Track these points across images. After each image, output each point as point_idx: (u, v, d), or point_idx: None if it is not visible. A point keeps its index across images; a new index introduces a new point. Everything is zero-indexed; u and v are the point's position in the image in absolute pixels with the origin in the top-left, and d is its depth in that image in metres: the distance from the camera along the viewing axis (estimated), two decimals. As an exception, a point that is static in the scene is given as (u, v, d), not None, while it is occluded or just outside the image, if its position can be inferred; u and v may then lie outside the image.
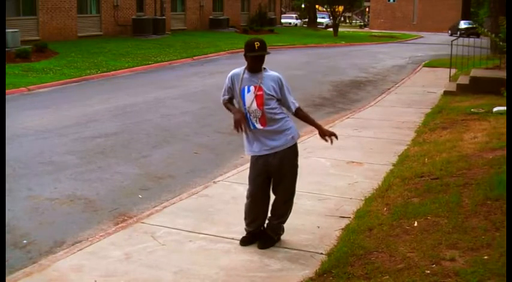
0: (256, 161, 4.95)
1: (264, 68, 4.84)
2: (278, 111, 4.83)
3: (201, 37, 29.74)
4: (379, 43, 36.86)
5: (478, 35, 33.82)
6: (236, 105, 4.95)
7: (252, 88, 4.78)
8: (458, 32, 44.52)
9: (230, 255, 4.90)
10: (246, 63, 4.87)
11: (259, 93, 4.76)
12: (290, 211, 5.13)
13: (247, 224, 5.12)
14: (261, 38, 4.95)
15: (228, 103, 5.01)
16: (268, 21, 42.54)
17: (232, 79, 4.89)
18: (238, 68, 4.94)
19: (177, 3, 33.94)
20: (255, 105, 4.77)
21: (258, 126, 4.81)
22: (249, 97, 4.78)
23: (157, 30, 28.63)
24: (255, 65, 4.80)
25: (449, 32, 49.54)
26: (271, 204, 5.08)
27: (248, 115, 4.82)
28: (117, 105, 12.20)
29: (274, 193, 5.02)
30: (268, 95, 4.76)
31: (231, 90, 4.93)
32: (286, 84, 4.88)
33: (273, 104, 4.80)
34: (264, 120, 4.79)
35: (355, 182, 6.97)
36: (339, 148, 8.63)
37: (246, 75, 4.83)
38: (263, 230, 5.16)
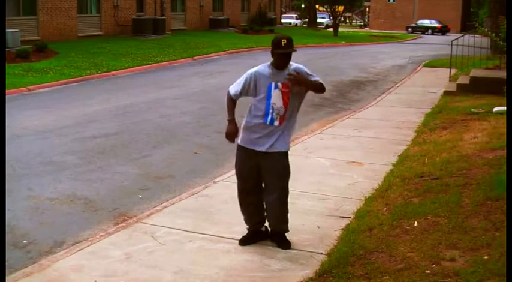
0: (244, 151, 4.95)
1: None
2: (296, 113, 4.92)
3: (201, 37, 29.73)
4: (379, 43, 36.86)
5: (443, 33, 37.31)
6: (255, 102, 4.90)
7: (279, 85, 4.80)
8: (430, 30, 47.99)
9: (230, 255, 4.90)
10: (256, 62, 4.90)
11: (285, 90, 4.79)
12: (285, 211, 5.08)
13: (244, 220, 5.14)
14: (289, 35, 4.96)
15: (234, 102, 4.98)
16: (268, 21, 42.53)
17: (255, 76, 4.84)
18: (260, 65, 4.91)
19: (177, 3, 33.93)
20: (281, 102, 4.80)
21: (276, 123, 4.84)
22: (276, 94, 4.79)
23: (157, 30, 28.62)
24: (282, 62, 4.81)
25: (410, 30, 51.45)
26: (266, 209, 5.06)
27: (271, 111, 4.82)
28: (117, 105, 12.20)
29: (266, 194, 5.00)
30: (294, 92, 4.80)
31: (249, 87, 4.85)
32: (308, 70, 4.91)
33: (296, 101, 4.88)
34: (284, 118, 4.84)
35: (355, 182, 6.96)
36: (339, 148, 8.64)
37: (274, 72, 4.83)
38: (265, 230, 5.16)
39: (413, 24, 53.16)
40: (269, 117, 4.84)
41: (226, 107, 5.03)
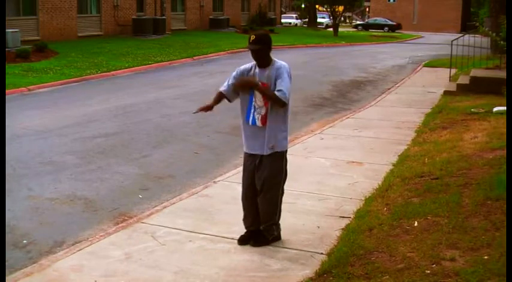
0: (245, 156, 5.03)
1: (274, 61, 4.79)
2: (282, 113, 4.81)
3: (201, 37, 29.74)
4: (379, 43, 36.87)
5: (392, 30, 48.96)
6: (240, 100, 4.91)
7: (259, 84, 4.76)
8: (386, 28, 52.31)
9: (230, 255, 4.90)
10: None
11: None
12: (276, 214, 5.03)
13: (242, 219, 5.14)
14: (265, 31, 4.89)
15: (220, 95, 4.95)
16: (268, 21, 42.53)
17: (242, 73, 4.86)
18: (247, 64, 4.91)
19: (177, 3, 33.93)
20: (262, 102, 4.77)
21: (258, 123, 4.82)
22: (257, 93, 4.75)
23: (158, 30, 28.62)
24: (254, 58, 4.79)
25: (360, 27, 54.46)
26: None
27: (252, 110, 4.82)
28: (117, 105, 12.20)
29: (258, 197, 4.99)
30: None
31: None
32: (286, 74, 4.71)
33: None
34: (265, 118, 4.79)
35: (355, 182, 6.96)
36: (339, 148, 8.64)
37: (256, 70, 4.81)
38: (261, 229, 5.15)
39: (361, 22, 56.43)
40: (250, 117, 4.84)
41: (214, 97, 5.00)
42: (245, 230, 5.14)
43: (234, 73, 4.95)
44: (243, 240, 5.08)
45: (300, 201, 6.15)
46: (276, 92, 4.64)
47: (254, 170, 4.95)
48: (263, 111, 4.78)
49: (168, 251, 4.98)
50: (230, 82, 4.93)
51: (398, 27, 52.80)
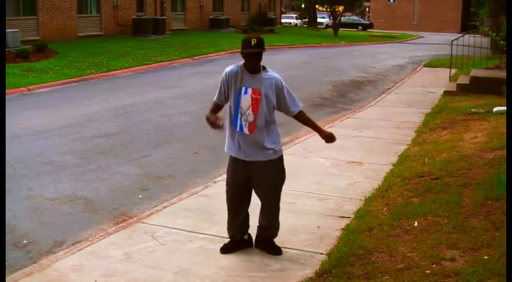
0: (235, 162, 4.77)
1: (264, 68, 4.62)
2: (270, 120, 4.66)
3: (201, 37, 29.72)
4: (379, 43, 36.86)
5: (365, 29, 52.76)
6: (229, 105, 4.71)
7: (249, 90, 4.57)
8: (360, 27, 55.34)
9: (230, 255, 4.90)
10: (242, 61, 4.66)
11: (255, 96, 4.56)
12: (278, 217, 4.94)
13: (227, 229, 4.99)
14: (260, 36, 4.81)
15: (217, 106, 4.73)
16: (268, 21, 42.52)
17: (228, 76, 4.63)
18: (233, 64, 4.70)
19: (177, 3, 33.92)
20: (250, 109, 4.57)
21: (245, 130, 4.61)
22: (245, 99, 4.57)
23: (158, 30, 28.61)
24: (251, 63, 4.55)
25: (326, 26, 56.51)
26: (258, 215, 4.93)
27: (239, 116, 4.60)
28: (117, 105, 12.21)
29: (262, 207, 4.89)
30: (267, 100, 4.59)
31: (225, 90, 4.65)
32: (286, 86, 4.67)
33: (269, 110, 4.63)
34: (254, 126, 4.59)
35: (355, 182, 6.96)
36: (339, 148, 8.63)
37: (245, 75, 4.59)
38: (248, 239, 5.03)
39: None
40: (238, 123, 4.61)
41: (207, 116, 4.69)
42: (229, 239, 5.00)
43: (223, 77, 4.67)
44: (226, 249, 4.93)
45: (300, 201, 6.16)
46: (294, 110, 4.75)
47: (243, 178, 4.74)
48: (250, 119, 4.58)
49: (168, 251, 4.98)
50: (220, 90, 4.70)
51: (370, 26, 55.69)
